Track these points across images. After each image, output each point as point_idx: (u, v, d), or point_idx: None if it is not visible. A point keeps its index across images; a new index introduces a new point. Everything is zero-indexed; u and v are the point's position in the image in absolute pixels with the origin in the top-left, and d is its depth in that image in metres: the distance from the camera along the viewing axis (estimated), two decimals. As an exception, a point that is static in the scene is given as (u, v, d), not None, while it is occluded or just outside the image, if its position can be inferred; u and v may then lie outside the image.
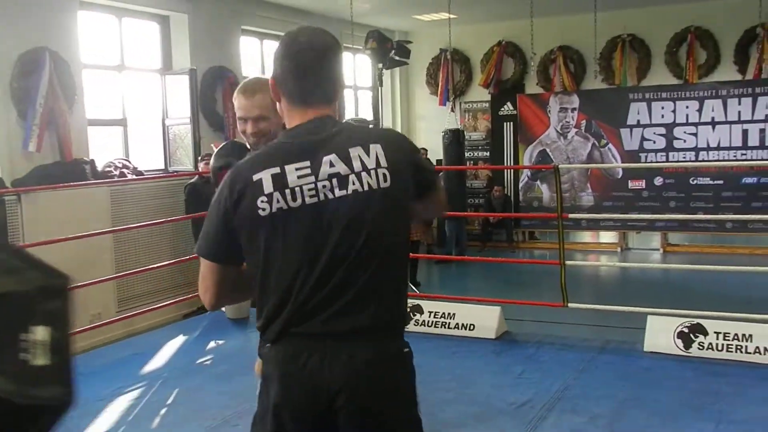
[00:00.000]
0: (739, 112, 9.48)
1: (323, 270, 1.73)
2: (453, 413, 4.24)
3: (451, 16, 10.14)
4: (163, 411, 4.55)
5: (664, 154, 9.97)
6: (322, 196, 1.72)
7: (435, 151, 10.88)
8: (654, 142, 10.00)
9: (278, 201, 1.72)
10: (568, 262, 5.72)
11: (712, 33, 10.30)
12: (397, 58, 7.75)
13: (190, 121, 7.76)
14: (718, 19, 10.08)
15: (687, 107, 9.79)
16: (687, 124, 9.81)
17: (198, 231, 1.99)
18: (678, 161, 9.73)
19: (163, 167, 8.11)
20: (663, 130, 9.98)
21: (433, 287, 8.64)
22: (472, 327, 5.68)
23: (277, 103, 1.89)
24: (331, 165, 1.73)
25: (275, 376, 1.79)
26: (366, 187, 1.73)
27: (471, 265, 10.11)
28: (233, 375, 5.00)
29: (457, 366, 5.12)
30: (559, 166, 6.26)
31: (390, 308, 1.80)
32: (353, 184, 1.73)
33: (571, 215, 7.33)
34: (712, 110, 9.66)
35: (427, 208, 2.03)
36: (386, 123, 11.74)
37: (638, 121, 10.09)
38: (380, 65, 7.64)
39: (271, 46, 9.11)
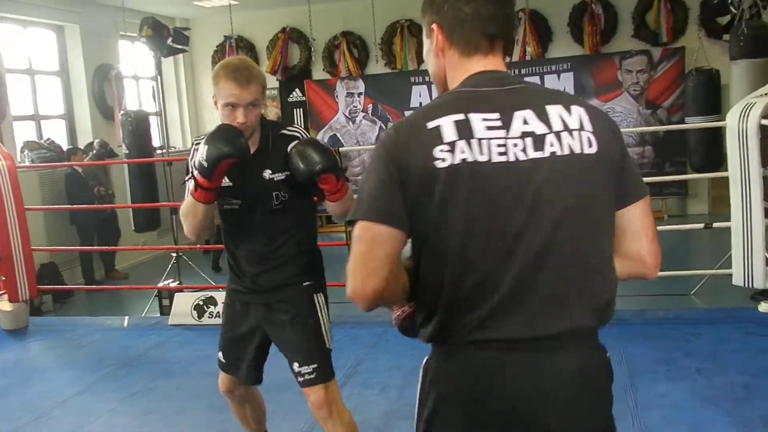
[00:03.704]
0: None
1: (526, 253, 1.39)
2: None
3: (233, 2, 10.00)
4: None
5: (445, 133, 10.52)
6: (512, 156, 1.39)
7: (225, 141, 10.71)
8: (436, 123, 10.53)
9: (463, 152, 1.37)
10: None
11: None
12: (175, 45, 7.50)
13: None
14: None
15: (463, 88, 10.41)
16: (464, 104, 10.44)
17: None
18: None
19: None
20: (443, 111, 10.53)
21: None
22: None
23: (435, 57, 1.54)
24: (525, 122, 1.41)
25: (455, 400, 1.46)
26: (567, 151, 1.41)
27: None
28: (11, 389, 4.68)
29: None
30: (340, 149, 6.41)
31: (600, 304, 1.47)
32: (551, 145, 1.40)
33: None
34: (486, 90, 10.33)
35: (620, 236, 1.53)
36: (171, 113, 11.38)
37: (421, 103, 10.55)
38: (158, 53, 7.36)
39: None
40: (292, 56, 11.72)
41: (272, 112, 11.87)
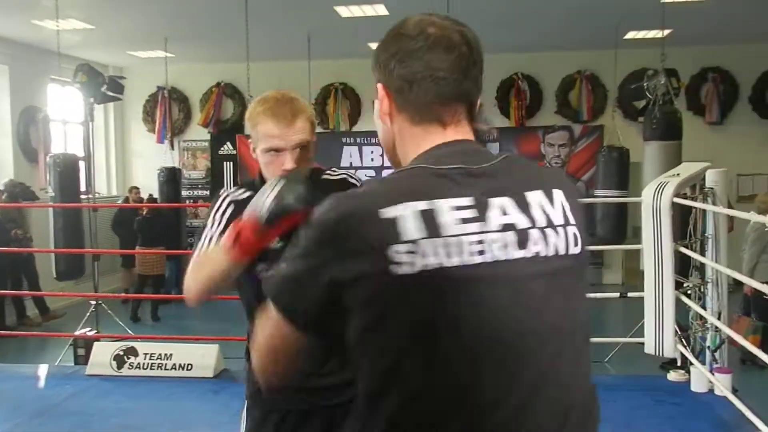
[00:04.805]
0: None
1: (523, 384, 1.12)
2: (169, 455, 4.16)
3: (168, 54, 10.04)
4: None
5: (374, 194, 10.77)
6: (490, 255, 1.10)
7: (152, 189, 10.61)
8: (365, 184, 10.78)
9: (424, 255, 1.07)
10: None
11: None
12: (109, 93, 7.50)
13: None
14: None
15: (393, 152, 10.73)
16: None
17: None
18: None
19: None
20: (373, 173, 10.77)
21: (150, 328, 8.37)
22: (189, 367, 5.61)
23: (383, 122, 1.28)
24: (504, 212, 1.13)
25: None
26: (552, 251, 1.16)
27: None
28: None
29: (174, 408, 5.02)
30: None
31: None
32: (535, 243, 1.14)
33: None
34: (415, 155, 10.69)
35: None
36: (99, 159, 11.22)
37: (351, 163, 10.78)
38: (91, 100, 7.33)
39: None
40: (225, 110, 11.79)
41: (202, 163, 11.85)
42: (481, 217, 1.11)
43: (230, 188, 2.11)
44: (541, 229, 1.15)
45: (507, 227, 1.12)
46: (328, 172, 2.12)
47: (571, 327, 1.18)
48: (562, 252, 1.16)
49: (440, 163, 1.15)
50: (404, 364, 1.10)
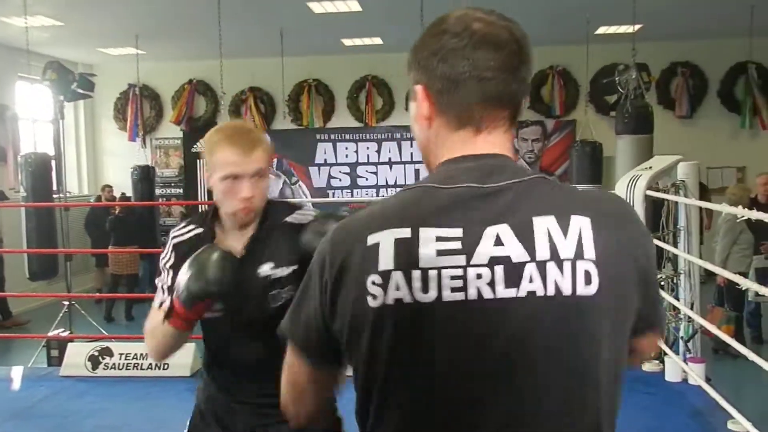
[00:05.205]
0: (412, 153, 10.61)
1: None
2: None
3: (140, 51, 9.94)
4: None
5: (349, 190, 10.78)
6: (473, 293, 0.99)
7: (124, 187, 10.50)
8: (340, 180, 10.78)
9: (398, 288, 1.01)
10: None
11: (386, 82, 11.34)
12: (80, 90, 7.40)
13: None
14: (391, 69, 11.11)
15: (368, 148, 10.75)
16: (368, 163, 10.76)
17: None
18: (362, 197, 10.56)
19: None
20: (348, 169, 10.79)
21: (124, 328, 8.30)
22: (166, 366, 5.57)
23: (419, 126, 1.15)
24: (498, 242, 1.00)
25: None
26: (552, 290, 0.99)
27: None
28: None
29: (151, 407, 4.99)
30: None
31: None
32: (530, 281, 0.99)
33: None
34: (389, 151, 10.73)
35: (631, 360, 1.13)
36: (70, 158, 11.08)
37: (325, 160, 10.80)
38: (61, 97, 7.24)
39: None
40: (197, 108, 11.70)
41: (175, 161, 11.75)
42: (466, 249, 1.00)
43: (179, 224, 2.09)
44: (541, 263, 0.99)
45: (496, 260, 0.99)
46: (297, 213, 2.02)
47: (579, 384, 1.01)
48: (566, 292, 0.99)
49: (450, 182, 1.05)
50: (373, 401, 1.06)
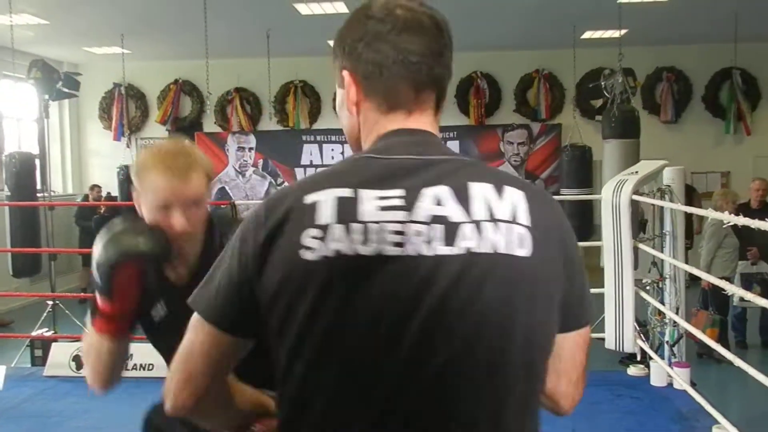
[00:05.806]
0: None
1: (419, 387, 1.02)
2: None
3: (125, 51, 9.89)
4: None
5: (335, 192, 10.77)
6: (411, 249, 1.00)
7: (110, 187, 10.44)
8: (326, 182, 10.77)
9: (339, 240, 1.00)
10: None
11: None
12: (65, 89, 7.34)
13: None
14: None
15: (354, 150, 10.75)
16: (354, 165, 10.76)
17: None
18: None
19: None
20: (334, 171, 10.78)
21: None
22: (150, 367, 5.54)
23: (347, 112, 1.16)
24: (437, 203, 1.03)
25: None
26: (488, 248, 1.02)
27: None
28: None
29: (135, 408, 4.94)
30: (236, 202, 6.43)
31: None
32: (466, 239, 1.01)
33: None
34: (376, 153, 10.72)
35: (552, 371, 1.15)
36: (54, 157, 11.00)
37: (311, 161, 10.76)
38: (46, 96, 7.18)
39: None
40: (183, 108, 11.65)
41: (160, 162, 11.70)
42: (407, 207, 1.01)
43: None
44: (477, 222, 1.02)
45: (436, 219, 1.01)
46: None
47: (504, 345, 1.03)
48: (501, 250, 1.02)
49: (386, 152, 1.08)
50: (295, 363, 1.04)
